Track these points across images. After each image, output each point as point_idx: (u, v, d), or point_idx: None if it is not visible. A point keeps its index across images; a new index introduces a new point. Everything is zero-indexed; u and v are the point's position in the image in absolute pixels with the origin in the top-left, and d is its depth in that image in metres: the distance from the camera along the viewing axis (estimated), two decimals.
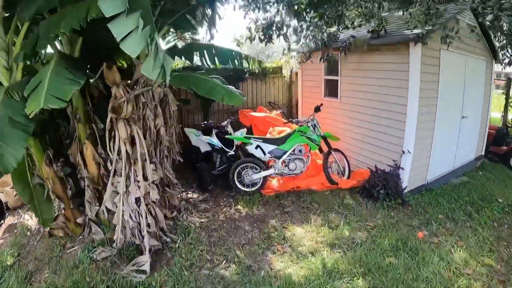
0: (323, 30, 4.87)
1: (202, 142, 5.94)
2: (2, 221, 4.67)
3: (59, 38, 3.60)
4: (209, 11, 4.65)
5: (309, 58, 5.96)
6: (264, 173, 5.16)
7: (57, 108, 2.54)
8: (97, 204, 4.17)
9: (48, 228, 4.00)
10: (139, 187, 3.74)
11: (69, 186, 4.09)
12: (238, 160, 5.34)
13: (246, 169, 5.25)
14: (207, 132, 6.08)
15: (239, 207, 4.90)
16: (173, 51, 4.41)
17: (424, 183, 5.38)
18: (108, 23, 2.13)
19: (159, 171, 3.99)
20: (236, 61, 4.18)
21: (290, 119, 5.46)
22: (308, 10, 4.85)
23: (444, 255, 3.75)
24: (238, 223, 4.46)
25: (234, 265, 3.58)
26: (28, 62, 3.44)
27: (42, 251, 3.78)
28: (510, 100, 8.46)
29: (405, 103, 4.69)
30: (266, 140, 5.13)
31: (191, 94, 7.46)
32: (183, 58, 4.68)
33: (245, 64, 4.77)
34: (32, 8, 2.89)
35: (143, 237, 3.80)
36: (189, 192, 5.64)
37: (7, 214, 4.81)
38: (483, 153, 7.14)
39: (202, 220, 4.59)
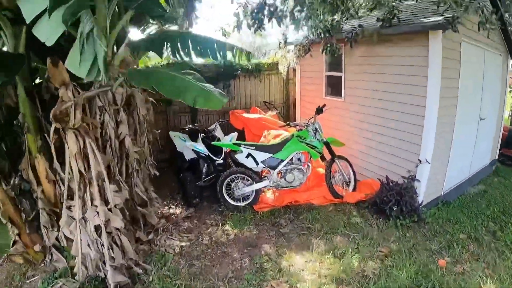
0: (325, 17, 4.05)
1: (187, 148, 5.16)
2: None
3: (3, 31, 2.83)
4: None
5: (308, 52, 5.16)
6: (256, 186, 4.39)
7: None
8: (56, 229, 3.41)
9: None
10: (97, 212, 2.96)
11: (23, 208, 3.38)
12: (227, 170, 4.56)
13: (236, 181, 4.48)
14: (194, 136, 5.30)
15: (227, 227, 4.13)
16: (136, 43, 3.55)
17: (439, 195, 4.63)
18: None
19: (124, 192, 3.19)
20: (218, 53, 3.34)
21: (288, 122, 4.67)
22: None
23: None
24: (225, 249, 3.69)
25: None
26: None
27: (2, 278, 3.30)
28: None
29: (423, 104, 3.91)
30: (259, 148, 4.34)
31: None
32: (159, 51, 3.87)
33: (231, 58, 3.90)
34: None
35: (107, 270, 3.05)
36: (172, 206, 4.87)
37: None
38: (496, 157, 6.43)
39: (183, 244, 3.82)
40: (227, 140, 5.11)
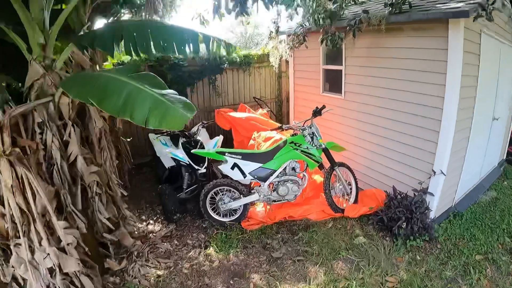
0: (324, 1, 3.35)
1: (166, 155, 4.48)
2: None
3: None
4: None
5: (303, 42, 4.46)
6: (244, 200, 3.76)
7: None
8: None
9: None
10: (48, 254, 2.29)
11: None
12: (211, 182, 3.91)
13: (221, 193, 3.84)
14: (175, 139, 4.61)
15: (211, 250, 3.51)
16: (83, 37, 2.75)
17: (451, 206, 4.10)
18: None
19: (81, 225, 2.52)
20: (188, 46, 2.60)
21: (280, 126, 4.01)
22: None
23: None
24: (207, 280, 3.09)
25: None
26: None
27: None
28: None
29: (440, 105, 3.30)
30: (247, 156, 3.69)
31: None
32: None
33: (204, 52, 3.15)
34: None
35: None
36: (151, 222, 4.22)
37: None
38: (504, 157, 5.94)
39: (160, 273, 3.21)
40: (211, 146, 4.44)
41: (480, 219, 4.08)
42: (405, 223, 3.44)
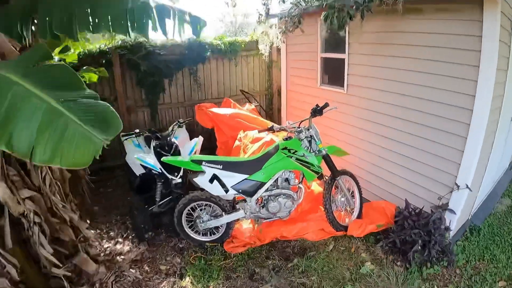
0: None
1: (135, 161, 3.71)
2: None
3: None
4: None
5: (298, 25, 3.73)
6: (226, 219, 3.09)
7: None
8: None
9: None
10: None
11: None
12: (187, 195, 3.20)
13: (199, 209, 3.16)
14: (149, 141, 3.86)
15: (187, 281, 2.84)
16: None
17: (467, 218, 3.54)
18: None
19: (12, 271, 1.79)
20: (129, 22, 1.74)
21: (271, 126, 3.28)
22: None
23: None
24: None
25: None
26: None
27: None
28: None
29: (470, 106, 2.66)
30: (229, 166, 2.97)
31: (129, 81, 5.11)
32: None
33: (178, 27, 2.33)
34: None
35: None
36: (120, 240, 3.51)
37: None
38: None
39: None
40: (187, 150, 3.70)
41: (499, 234, 3.54)
42: (421, 247, 2.85)
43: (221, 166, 2.94)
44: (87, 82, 4.00)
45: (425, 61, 2.94)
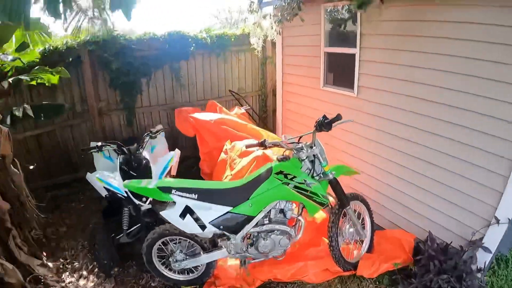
0: None
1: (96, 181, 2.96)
2: None
3: None
4: None
5: (297, 13, 2.98)
6: (205, 258, 2.37)
7: None
8: None
9: None
10: None
11: None
12: (157, 227, 2.47)
13: (173, 242, 2.43)
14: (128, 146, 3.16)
15: None
16: None
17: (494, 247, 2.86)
18: None
19: None
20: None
21: (263, 140, 2.50)
22: None
23: None
24: None
25: None
26: None
27: None
28: None
29: None
30: (206, 195, 2.22)
31: (101, 81, 4.37)
32: None
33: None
34: None
35: None
36: (84, 274, 2.83)
37: None
38: None
39: None
40: (160, 168, 2.98)
41: None
42: None
43: (196, 195, 2.20)
44: (46, 84, 3.26)
45: (466, 59, 2.21)
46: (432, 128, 2.54)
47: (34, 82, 3.09)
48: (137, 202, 2.71)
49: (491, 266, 2.72)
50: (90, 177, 2.90)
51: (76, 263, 2.94)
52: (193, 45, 4.56)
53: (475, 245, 2.34)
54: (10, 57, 3.08)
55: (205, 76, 4.88)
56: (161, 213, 2.26)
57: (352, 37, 3.01)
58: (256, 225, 2.32)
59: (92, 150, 3.03)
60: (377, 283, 2.54)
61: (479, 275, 2.30)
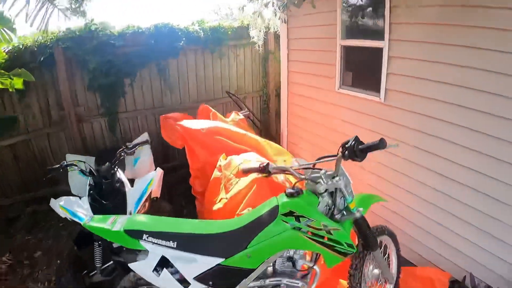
0: None
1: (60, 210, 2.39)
2: None
3: None
4: None
5: None
6: None
7: None
8: None
9: None
10: None
11: None
12: (128, 275, 1.87)
13: None
14: (108, 157, 2.64)
15: None
16: None
17: None
18: None
19: None
20: None
21: (265, 166, 1.84)
22: None
23: None
24: None
25: None
26: None
27: None
28: None
29: None
30: (188, 243, 1.61)
31: (79, 83, 3.82)
32: None
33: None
34: None
35: None
36: None
37: None
38: None
39: None
40: (136, 194, 2.41)
41: None
42: None
43: (175, 243, 1.59)
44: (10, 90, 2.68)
45: None
46: (484, 147, 1.90)
47: None
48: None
49: None
50: (54, 204, 2.32)
51: None
52: (184, 39, 3.91)
53: None
54: None
55: (199, 75, 4.23)
56: (130, 265, 1.66)
57: (379, 27, 2.34)
58: (257, 278, 1.71)
59: (52, 173, 2.46)
60: None
61: None
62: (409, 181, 2.35)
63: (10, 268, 2.74)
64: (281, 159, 2.96)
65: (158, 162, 3.93)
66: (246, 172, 1.93)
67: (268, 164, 1.77)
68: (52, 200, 2.31)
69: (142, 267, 1.62)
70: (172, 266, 1.60)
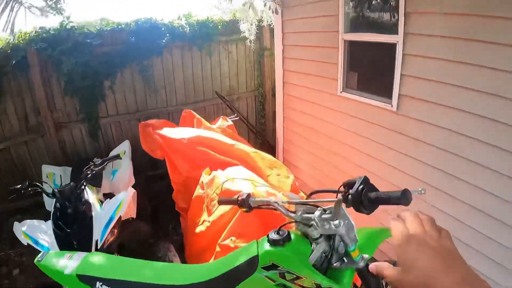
0: None
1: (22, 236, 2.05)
2: None
3: None
4: None
5: None
6: None
7: None
8: None
9: None
10: None
11: None
12: None
13: None
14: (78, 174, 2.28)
15: None
16: None
17: None
18: None
19: None
20: None
21: (245, 197, 1.43)
22: None
23: None
24: None
25: None
26: None
27: None
28: None
29: None
30: None
31: (56, 87, 3.47)
32: None
33: None
34: None
35: None
36: None
37: None
38: None
39: None
40: (103, 220, 2.06)
41: None
42: None
43: None
44: None
45: None
46: None
47: None
48: None
49: None
50: (16, 229, 2.01)
51: None
52: (167, 35, 3.48)
53: None
54: None
55: (186, 75, 3.80)
56: None
57: (390, 17, 1.89)
58: None
59: (15, 193, 2.14)
60: None
61: None
62: (428, 209, 1.91)
63: None
64: (274, 173, 2.54)
65: (145, 169, 3.59)
66: (223, 204, 1.53)
67: (248, 196, 1.35)
68: (16, 224, 2.00)
69: None
70: None
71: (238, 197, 1.38)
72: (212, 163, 2.51)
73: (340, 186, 1.14)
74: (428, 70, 1.77)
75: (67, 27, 3.24)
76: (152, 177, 3.61)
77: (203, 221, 2.27)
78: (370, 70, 2.19)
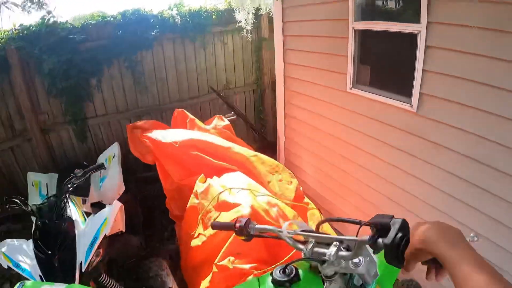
0: None
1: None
2: None
3: None
4: None
5: None
6: None
7: None
8: None
9: None
10: None
11: None
12: None
13: None
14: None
15: None
16: None
17: None
18: None
19: None
20: None
21: (245, 221, 1.17)
22: None
23: None
24: None
25: None
26: None
27: None
28: None
29: None
30: None
31: (40, 87, 3.21)
32: None
33: None
34: None
35: None
36: None
37: None
38: None
39: None
40: (88, 239, 1.86)
41: None
42: None
43: None
44: None
45: None
46: None
47: None
48: None
49: None
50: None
51: None
52: (157, 27, 3.18)
53: None
54: None
55: (179, 69, 3.52)
56: None
57: (410, 3, 1.62)
58: None
59: None
60: None
61: None
62: (448, 223, 1.70)
63: None
64: (276, 178, 2.32)
65: (138, 171, 3.37)
66: (217, 229, 1.32)
67: (247, 222, 1.13)
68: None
69: None
70: None
71: (236, 223, 1.15)
72: (207, 169, 2.28)
73: (362, 223, 0.90)
74: (455, 66, 1.51)
75: (49, 22, 2.95)
76: (146, 179, 3.39)
77: (199, 234, 2.06)
78: (385, 64, 1.93)
